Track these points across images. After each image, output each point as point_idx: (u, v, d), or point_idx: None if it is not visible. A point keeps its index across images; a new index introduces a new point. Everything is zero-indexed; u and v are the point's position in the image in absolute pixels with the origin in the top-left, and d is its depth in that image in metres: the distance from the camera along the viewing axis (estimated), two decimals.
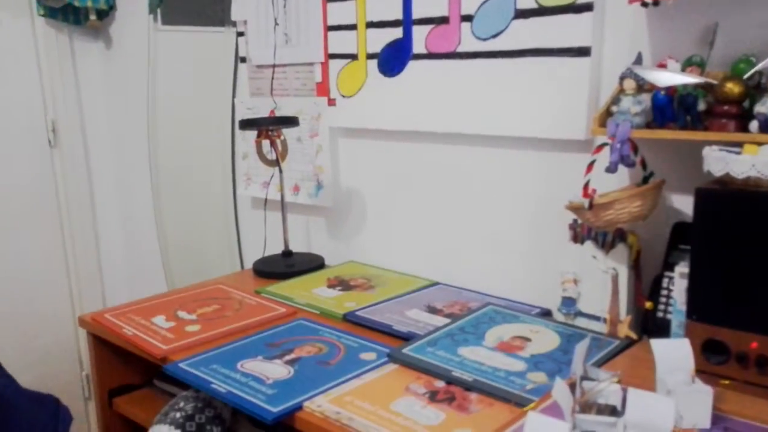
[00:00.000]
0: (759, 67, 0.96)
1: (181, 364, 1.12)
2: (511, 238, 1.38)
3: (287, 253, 1.65)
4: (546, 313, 1.28)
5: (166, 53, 2.04)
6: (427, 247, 1.54)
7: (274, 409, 0.96)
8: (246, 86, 1.80)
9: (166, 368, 1.13)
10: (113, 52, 2.28)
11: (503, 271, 1.40)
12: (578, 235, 1.19)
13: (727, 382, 0.94)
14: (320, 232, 1.76)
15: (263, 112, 1.76)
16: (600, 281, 1.15)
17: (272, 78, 1.71)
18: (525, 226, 1.36)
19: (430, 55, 1.40)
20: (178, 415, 1.15)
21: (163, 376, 1.36)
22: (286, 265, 1.61)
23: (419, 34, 1.40)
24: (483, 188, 1.41)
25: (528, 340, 1.15)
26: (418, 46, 1.41)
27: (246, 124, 1.54)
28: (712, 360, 0.95)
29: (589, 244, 1.17)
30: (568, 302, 1.20)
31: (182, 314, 1.35)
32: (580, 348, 0.86)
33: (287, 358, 1.14)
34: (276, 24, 1.66)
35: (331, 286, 1.49)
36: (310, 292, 1.45)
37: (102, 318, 1.34)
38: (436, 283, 1.49)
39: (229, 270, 1.92)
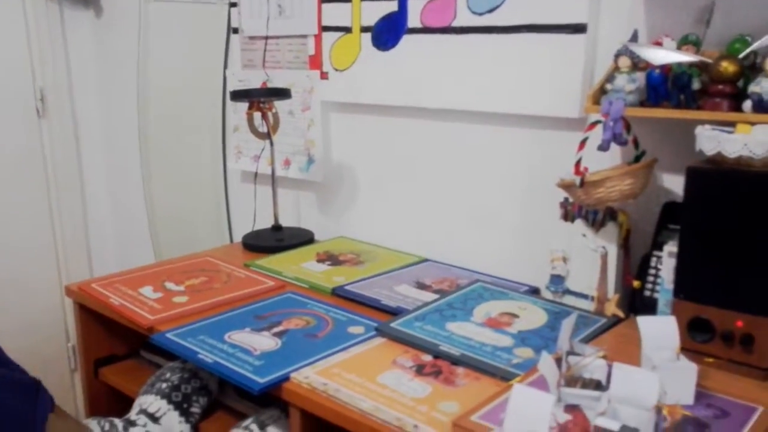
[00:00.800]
0: (754, 46, 0.95)
1: (168, 335, 1.12)
2: (502, 215, 1.38)
3: (277, 228, 1.64)
4: (534, 291, 1.29)
5: (157, 23, 2.01)
6: (417, 224, 1.53)
7: (261, 380, 0.96)
8: (238, 58, 1.78)
9: (153, 338, 1.12)
10: (104, 22, 2.24)
11: (493, 249, 1.40)
12: (569, 213, 1.19)
13: (711, 360, 0.94)
14: (310, 207, 1.75)
15: (255, 85, 1.74)
16: (589, 259, 1.15)
17: (264, 50, 1.69)
18: (516, 203, 1.36)
19: (425, 30, 1.38)
20: (164, 385, 1.15)
21: (149, 346, 1.36)
22: (275, 240, 1.61)
23: (414, 7, 1.39)
24: (475, 165, 1.41)
25: (516, 316, 1.15)
26: (413, 20, 1.39)
27: (238, 95, 1.53)
28: (697, 338, 0.95)
29: (579, 223, 1.17)
30: (557, 280, 1.20)
31: (170, 285, 1.34)
32: (567, 323, 0.87)
33: (275, 330, 1.13)
34: None
35: (320, 260, 1.48)
36: (299, 266, 1.45)
37: (89, 288, 1.33)
38: (426, 260, 1.49)
39: (218, 243, 1.91)
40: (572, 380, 0.81)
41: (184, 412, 1.13)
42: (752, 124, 0.91)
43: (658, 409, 0.71)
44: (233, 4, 1.74)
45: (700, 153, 0.94)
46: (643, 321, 0.87)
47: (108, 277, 1.39)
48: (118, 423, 1.09)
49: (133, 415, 1.12)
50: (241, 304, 1.25)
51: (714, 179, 0.92)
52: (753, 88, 0.94)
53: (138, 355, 1.42)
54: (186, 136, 2.00)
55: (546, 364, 0.76)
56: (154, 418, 1.10)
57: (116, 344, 1.41)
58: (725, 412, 0.83)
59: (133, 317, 1.19)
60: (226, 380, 1.03)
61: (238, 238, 1.74)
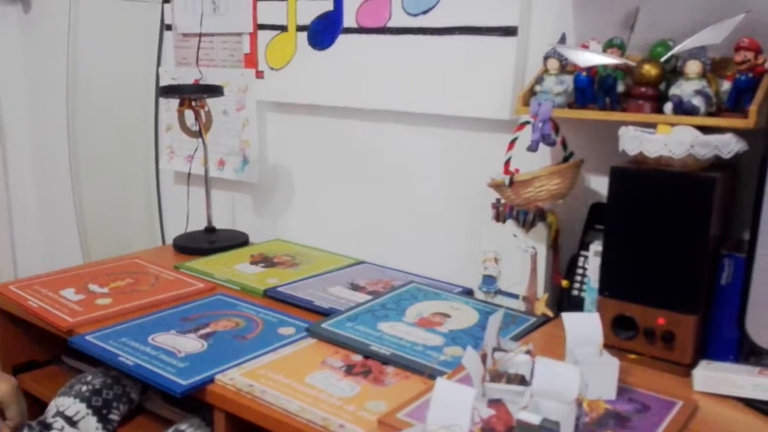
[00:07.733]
0: (675, 50, 0.98)
1: (87, 337, 1.07)
2: (439, 217, 1.38)
3: (210, 230, 1.60)
4: (468, 292, 1.29)
5: (88, 19, 1.95)
6: (353, 226, 1.52)
7: (184, 382, 0.93)
8: (171, 55, 1.74)
9: (72, 341, 1.08)
10: (32, 17, 2.16)
11: (428, 250, 1.40)
12: (500, 214, 1.20)
13: (634, 356, 0.96)
14: (245, 208, 1.72)
15: (188, 83, 1.70)
16: (519, 260, 1.16)
17: (198, 47, 1.65)
18: (452, 204, 1.36)
19: (361, 30, 1.37)
20: (84, 388, 1.10)
21: (71, 352, 1.30)
22: (208, 242, 1.57)
23: (350, 6, 1.38)
24: (411, 166, 1.41)
25: (447, 316, 1.15)
26: (349, 20, 1.39)
27: (167, 91, 1.49)
28: (621, 335, 0.97)
29: (510, 223, 1.18)
30: (489, 280, 1.21)
31: (93, 287, 1.29)
32: (493, 320, 0.87)
33: (202, 332, 1.10)
34: None
35: (253, 262, 1.46)
36: (231, 268, 1.41)
37: (6, 289, 1.26)
38: (362, 262, 1.48)
39: (150, 245, 1.85)
40: (497, 376, 0.81)
41: (103, 418, 1.08)
42: (672, 125, 0.94)
43: (579, 403, 0.72)
44: (166, 1, 1.70)
45: (624, 153, 0.96)
46: (568, 317, 0.88)
47: (28, 279, 1.33)
48: (35, 426, 1.04)
49: (49, 417, 1.07)
50: (167, 306, 1.21)
51: (635, 179, 0.94)
52: (674, 90, 0.97)
53: (60, 361, 1.36)
54: (117, 134, 1.94)
55: (470, 359, 0.76)
56: (71, 422, 1.05)
57: (37, 350, 1.35)
58: (646, 407, 0.85)
59: (52, 319, 1.14)
60: (149, 384, 0.99)
61: (170, 240, 1.69)
